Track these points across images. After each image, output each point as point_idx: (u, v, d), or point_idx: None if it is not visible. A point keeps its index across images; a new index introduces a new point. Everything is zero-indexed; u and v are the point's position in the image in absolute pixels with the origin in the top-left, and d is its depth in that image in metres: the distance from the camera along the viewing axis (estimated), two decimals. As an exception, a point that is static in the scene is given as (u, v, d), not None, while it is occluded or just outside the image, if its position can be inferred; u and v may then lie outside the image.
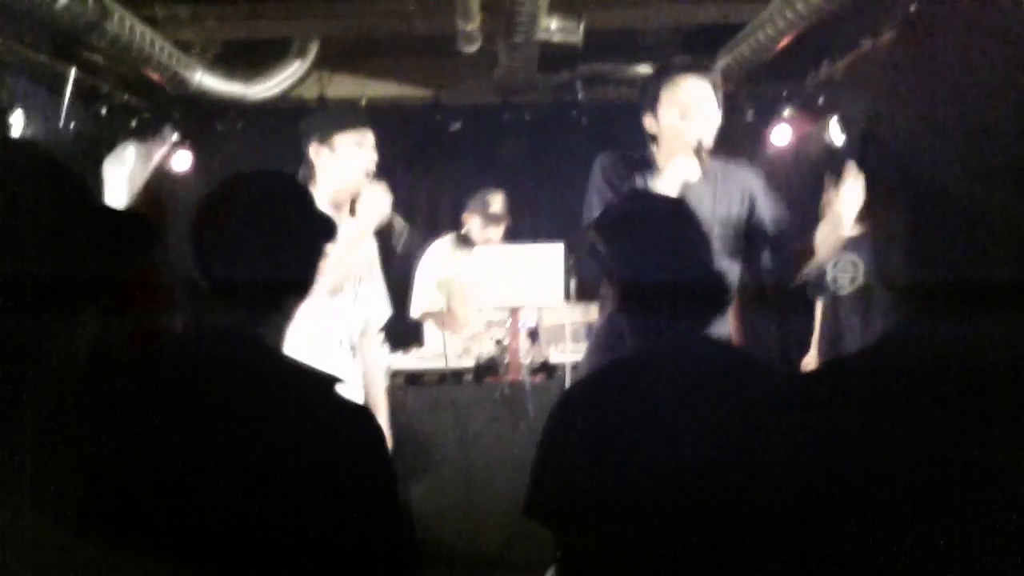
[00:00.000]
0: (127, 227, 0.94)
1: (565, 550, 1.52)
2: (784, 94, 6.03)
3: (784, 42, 4.94)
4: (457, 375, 4.48)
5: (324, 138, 2.96)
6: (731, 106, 6.09)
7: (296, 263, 1.39)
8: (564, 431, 1.59)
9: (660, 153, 2.80)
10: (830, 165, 6.07)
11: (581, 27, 4.76)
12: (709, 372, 1.53)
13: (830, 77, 5.80)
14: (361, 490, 1.19)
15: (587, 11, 4.82)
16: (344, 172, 2.96)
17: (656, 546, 1.43)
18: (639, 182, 2.72)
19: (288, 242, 1.36)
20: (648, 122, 2.83)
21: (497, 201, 5.01)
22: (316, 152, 2.97)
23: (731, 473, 1.43)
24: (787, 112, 5.96)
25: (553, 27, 4.69)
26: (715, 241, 2.65)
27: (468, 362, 4.53)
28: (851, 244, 4.73)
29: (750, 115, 6.18)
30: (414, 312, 5.15)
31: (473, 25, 4.41)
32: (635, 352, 1.68)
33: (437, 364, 4.59)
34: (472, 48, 4.75)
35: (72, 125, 4.85)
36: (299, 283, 1.40)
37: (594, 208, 2.72)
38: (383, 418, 3.40)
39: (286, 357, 1.31)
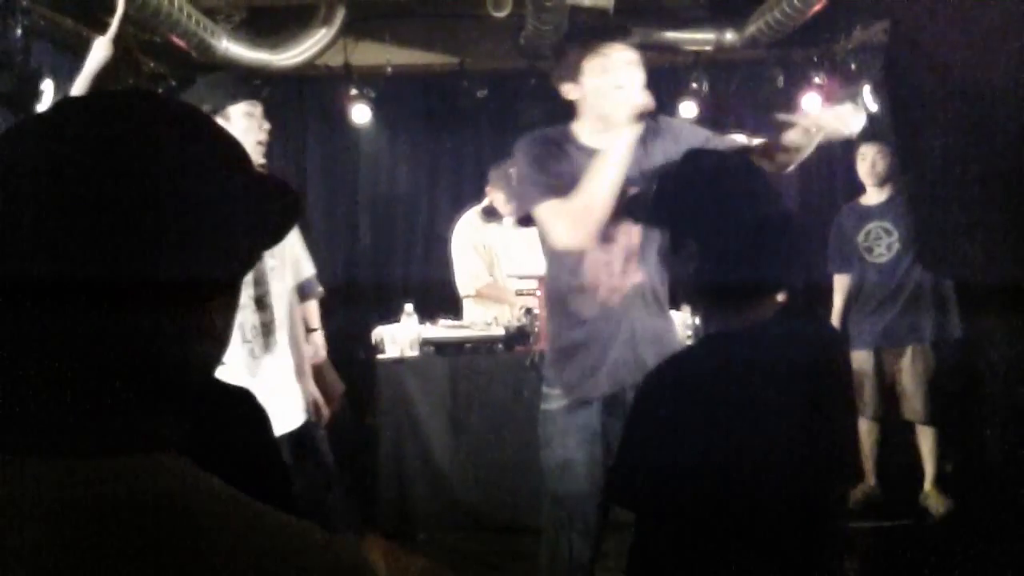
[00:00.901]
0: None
1: (641, 533, 1.49)
2: (815, 59, 5.94)
3: (817, 7, 4.86)
4: (487, 344, 4.47)
5: (216, 111, 2.89)
6: (761, 72, 6.07)
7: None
8: (650, 414, 1.54)
9: (581, 122, 2.72)
10: (862, 132, 6.03)
11: (613, -8, 4.70)
12: (802, 353, 1.47)
13: (863, 43, 5.71)
14: (247, 475, 1.16)
15: (618, -25, 4.76)
16: None
17: (737, 534, 1.41)
18: (571, 155, 2.66)
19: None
20: (567, 89, 2.71)
21: None
22: None
23: (820, 462, 1.40)
24: (818, 78, 5.87)
25: (584, -9, 4.64)
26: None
27: (498, 331, 4.52)
28: (880, 211, 4.70)
29: (780, 81, 6.10)
30: (465, 290, 5.10)
31: (504, -11, 4.36)
32: (721, 331, 1.60)
33: (467, 334, 4.59)
34: (502, 13, 4.70)
35: (99, 92, 4.84)
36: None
37: (528, 197, 2.66)
38: (308, 383, 3.36)
39: None
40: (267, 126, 3.00)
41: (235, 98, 2.92)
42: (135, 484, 0.67)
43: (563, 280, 2.75)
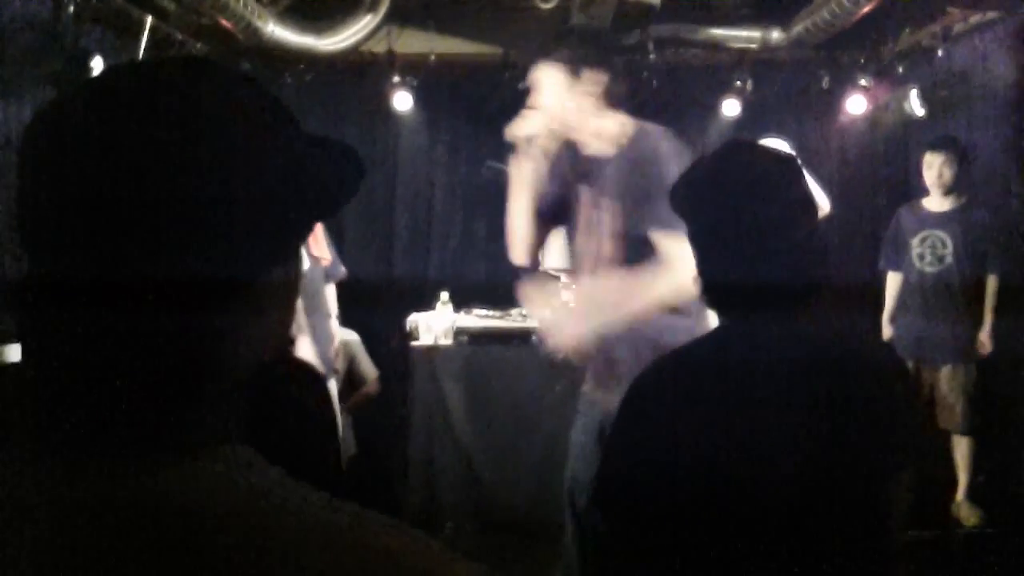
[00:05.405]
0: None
1: (622, 543, 1.46)
2: (861, 61, 5.88)
3: (866, 8, 4.80)
4: (523, 336, 4.48)
5: None
6: (806, 72, 6.02)
7: None
8: (633, 418, 1.50)
9: None
10: (907, 137, 5.97)
11: (660, -13, 4.68)
12: (796, 360, 1.42)
13: (911, 46, 5.64)
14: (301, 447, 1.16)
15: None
16: None
17: (725, 538, 1.38)
18: None
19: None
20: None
21: None
22: None
23: (807, 471, 1.37)
24: (863, 81, 5.80)
25: (632, -14, 4.62)
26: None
27: (533, 323, 4.53)
28: (939, 220, 4.65)
29: (825, 82, 6.04)
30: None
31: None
32: (712, 334, 1.55)
33: (502, 324, 4.60)
34: (549, 4, 4.69)
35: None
36: None
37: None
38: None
39: None
40: None
41: None
42: (203, 480, 0.66)
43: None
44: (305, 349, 3.56)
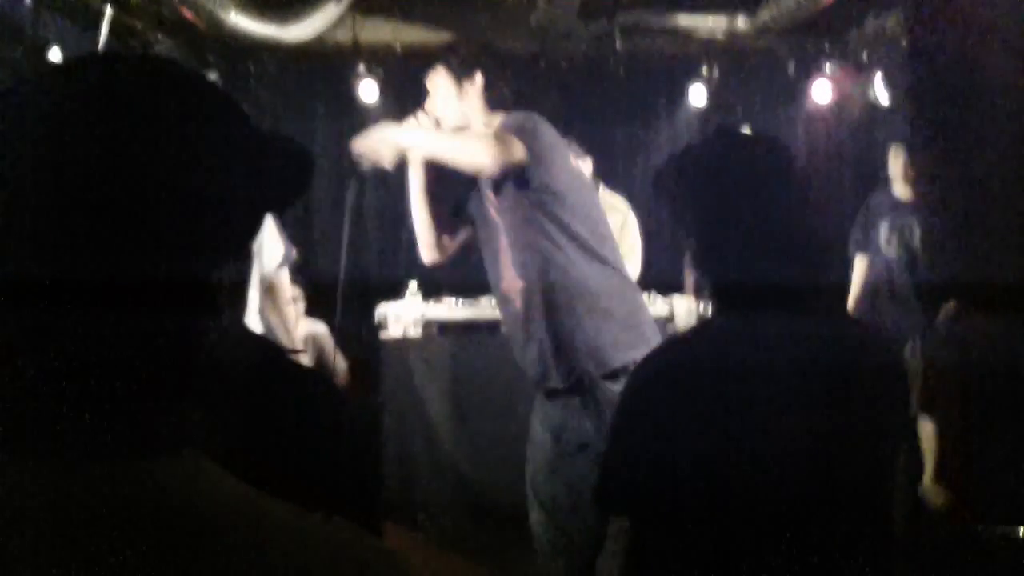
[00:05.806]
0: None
1: (635, 539, 1.42)
2: (826, 49, 5.91)
3: (832, -4, 4.84)
4: (492, 326, 4.47)
5: None
6: (772, 60, 6.04)
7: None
8: (637, 413, 1.46)
9: None
10: (872, 124, 6.01)
11: (626, -25, 4.67)
12: (806, 353, 1.40)
13: (875, 33, 5.68)
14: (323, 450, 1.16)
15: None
16: None
17: (731, 534, 1.38)
18: None
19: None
20: None
21: None
22: None
23: (818, 463, 1.37)
24: (828, 68, 5.84)
25: (598, -26, 4.61)
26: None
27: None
28: (908, 206, 4.68)
29: (791, 69, 6.07)
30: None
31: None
32: (716, 326, 1.52)
33: (471, 313, 4.58)
34: (514, -6, 4.67)
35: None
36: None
37: None
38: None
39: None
40: None
41: None
42: (158, 487, 0.65)
43: None
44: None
